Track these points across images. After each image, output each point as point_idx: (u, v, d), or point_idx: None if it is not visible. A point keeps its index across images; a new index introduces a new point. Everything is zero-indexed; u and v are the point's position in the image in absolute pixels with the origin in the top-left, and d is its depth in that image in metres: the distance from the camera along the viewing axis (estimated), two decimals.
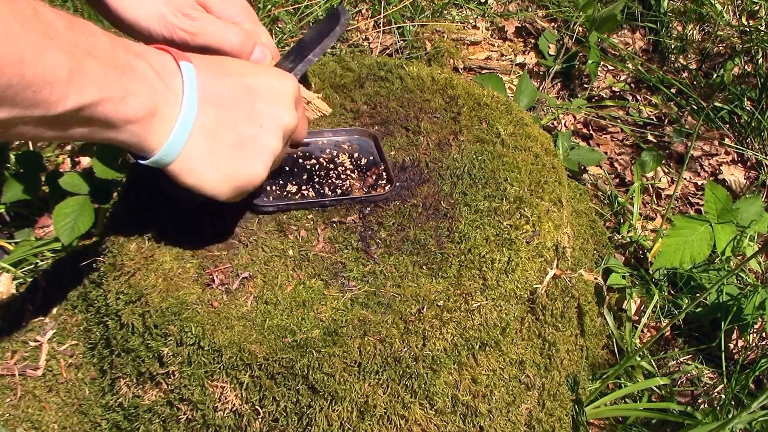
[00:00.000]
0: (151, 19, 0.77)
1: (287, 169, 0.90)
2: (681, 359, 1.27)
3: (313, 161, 0.92)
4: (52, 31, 0.54)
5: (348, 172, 0.91)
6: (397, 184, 0.90)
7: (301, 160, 0.92)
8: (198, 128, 0.67)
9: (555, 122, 1.78)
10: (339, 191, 0.88)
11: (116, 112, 0.60)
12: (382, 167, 0.92)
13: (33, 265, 1.37)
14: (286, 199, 0.86)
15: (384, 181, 0.90)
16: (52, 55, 0.54)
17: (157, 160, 0.66)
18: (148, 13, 0.77)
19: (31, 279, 1.34)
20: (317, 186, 0.88)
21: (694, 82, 1.86)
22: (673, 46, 1.93)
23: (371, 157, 0.93)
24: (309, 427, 0.73)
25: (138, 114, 0.62)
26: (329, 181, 0.89)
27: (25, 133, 0.57)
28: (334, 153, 0.94)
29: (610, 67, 1.92)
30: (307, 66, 0.84)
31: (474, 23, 2.01)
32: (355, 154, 0.94)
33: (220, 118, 0.68)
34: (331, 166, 0.92)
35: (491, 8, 2.06)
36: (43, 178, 1.37)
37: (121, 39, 0.63)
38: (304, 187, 0.88)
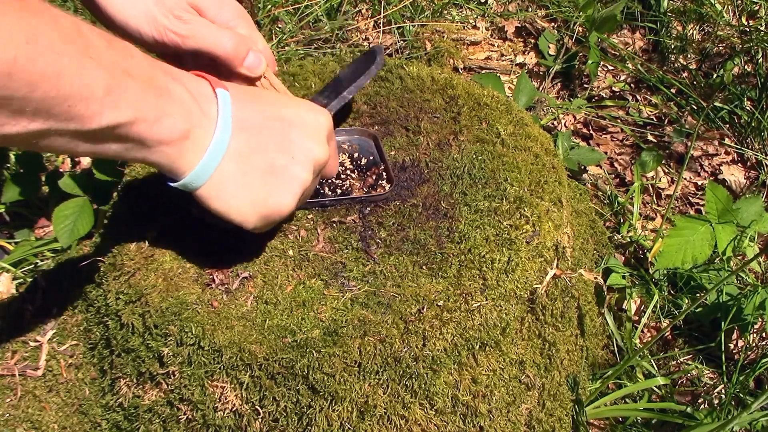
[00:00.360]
0: (141, 20, 0.75)
1: None
2: (681, 359, 1.27)
3: None
4: (92, 49, 0.55)
5: (348, 172, 0.91)
6: (397, 184, 0.90)
7: None
8: (230, 154, 0.67)
9: (555, 122, 1.78)
10: (339, 191, 0.88)
11: (150, 132, 0.61)
12: (382, 167, 0.92)
13: (33, 265, 1.37)
14: None
15: (384, 181, 0.90)
16: (91, 72, 0.55)
17: (186, 184, 0.66)
18: (138, 13, 0.75)
19: (31, 279, 1.34)
20: (317, 186, 0.88)
21: (694, 82, 1.86)
22: (673, 46, 1.93)
23: (371, 157, 0.93)
24: (309, 427, 0.73)
25: (172, 136, 0.62)
26: (329, 181, 0.89)
27: (59, 146, 0.58)
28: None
29: (610, 67, 1.92)
30: (341, 103, 0.85)
31: (474, 23, 2.01)
32: (355, 154, 0.94)
33: (252, 146, 0.69)
34: None
35: (491, 8, 2.06)
36: (43, 179, 1.37)
37: (160, 63, 0.64)
38: None
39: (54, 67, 0.52)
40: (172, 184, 0.67)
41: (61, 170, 1.49)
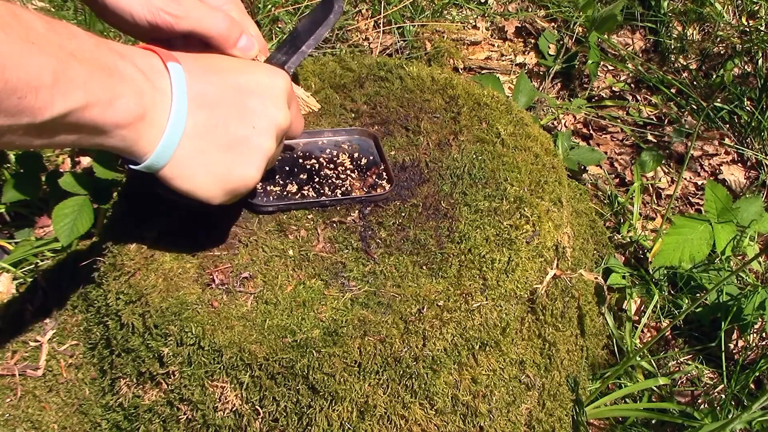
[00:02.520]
0: (135, 2, 0.73)
1: (287, 169, 0.90)
2: (681, 359, 1.27)
3: (313, 161, 0.92)
4: (33, 34, 0.53)
5: (348, 172, 0.91)
6: (397, 184, 0.90)
7: (301, 160, 0.92)
8: (188, 131, 0.65)
9: (555, 122, 1.78)
10: (339, 191, 0.88)
11: (104, 116, 0.59)
12: (382, 167, 0.92)
13: (33, 265, 1.37)
14: (286, 199, 0.86)
15: (384, 181, 0.90)
16: (35, 59, 0.52)
17: (148, 165, 0.64)
18: (131, 1, 0.73)
19: (31, 279, 1.34)
20: (317, 186, 0.88)
21: (694, 82, 1.86)
22: (673, 47, 1.93)
23: (371, 157, 0.93)
24: (309, 427, 0.73)
25: (127, 118, 0.60)
26: (329, 181, 0.89)
27: (13, 142, 0.55)
28: (334, 153, 0.94)
29: (610, 67, 1.92)
30: (301, 58, 0.81)
31: (474, 23, 2.01)
32: (355, 154, 0.94)
33: (210, 120, 0.67)
34: (331, 166, 0.92)
35: (491, 8, 2.06)
36: (43, 178, 1.37)
37: (105, 40, 0.61)
38: (304, 187, 0.88)
39: None
40: (134, 167, 0.65)
41: (61, 170, 1.49)
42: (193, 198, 0.69)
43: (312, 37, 0.81)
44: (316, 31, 0.81)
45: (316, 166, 0.91)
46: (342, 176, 0.90)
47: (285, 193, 0.87)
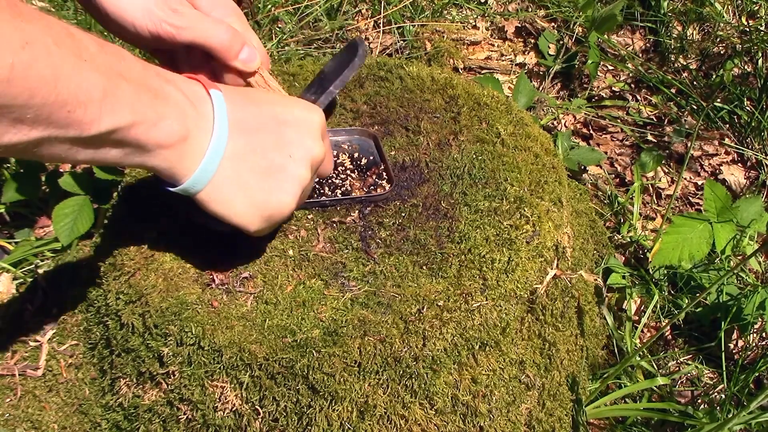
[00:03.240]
0: (137, 12, 0.74)
1: None
2: (681, 359, 1.27)
3: None
4: (85, 52, 0.55)
5: (348, 172, 0.91)
6: (397, 184, 0.90)
7: None
8: (228, 156, 0.67)
9: (555, 122, 1.78)
10: (339, 191, 0.88)
11: (148, 135, 0.61)
12: (382, 167, 0.92)
13: (33, 265, 1.37)
14: None
15: (384, 181, 0.90)
16: (87, 75, 0.54)
17: (186, 188, 0.66)
18: (134, 7, 0.74)
19: (31, 279, 1.34)
20: (317, 186, 0.88)
21: (694, 82, 1.86)
22: (672, 47, 1.93)
23: (371, 157, 0.93)
24: (309, 427, 0.73)
25: (170, 138, 0.62)
26: (329, 181, 0.89)
27: (59, 154, 0.57)
28: (334, 153, 0.94)
29: (610, 67, 1.92)
30: (329, 98, 0.85)
31: (474, 23, 2.01)
32: (355, 154, 0.94)
33: (249, 146, 0.69)
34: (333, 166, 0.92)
35: (491, 8, 2.06)
36: (43, 178, 1.37)
37: (151, 65, 0.63)
38: None
39: (51, 71, 0.52)
40: (171, 189, 0.67)
41: (61, 170, 1.49)
42: (228, 223, 0.70)
43: (339, 79, 0.84)
44: (343, 72, 0.85)
45: None
46: (342, 176, 0.90)
47: None
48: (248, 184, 0.69)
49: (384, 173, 0.91)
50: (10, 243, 1.40)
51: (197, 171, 0.65)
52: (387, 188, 0.88)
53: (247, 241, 0.81)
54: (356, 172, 0.91)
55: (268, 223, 0.72)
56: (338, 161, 0.93)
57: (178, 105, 0.63)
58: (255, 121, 0.70)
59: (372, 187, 0.89)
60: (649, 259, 1.37)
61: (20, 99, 0.50)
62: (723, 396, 1.17)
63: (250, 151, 0.69)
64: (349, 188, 0.88)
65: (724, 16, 1.96)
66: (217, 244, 0.82)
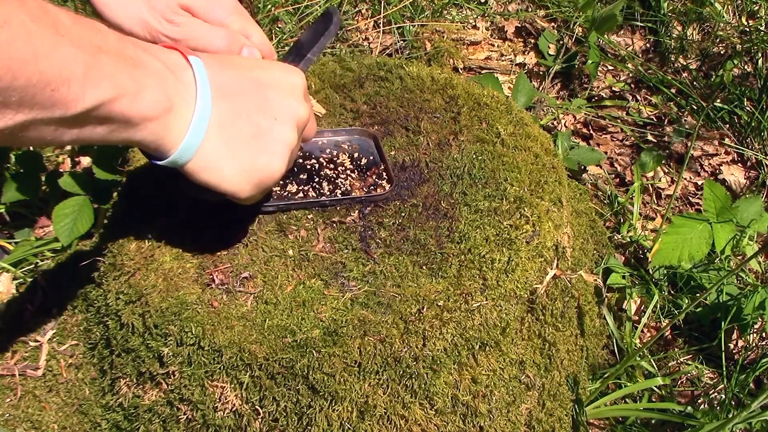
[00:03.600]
0: (135, 25, 0.76)
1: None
2: (681, 359, 1.27)
3: (313, 161, 0.92)
4: (62, 27, 0.54)
5: (348, 172, 0.91)
6: (397, 184, 0.90)
7: (301, 160, 0.92)
8: (213, 123, 0.66)
9: (555, 122, 1.78)
10: (339, 191, 0.88)
11: (132, 108, 0.59)
12: (382, 167, 0.92)
13: (33, 265, 1.37)
14: (287, 199, 0.86)
15: (384, 181, 0.90)
16: (66, 50, 0.53)
17: (175, 160, 0.65)
18: (131, 17, 0.76)
19: (31, 279, 1.34)
20: (317, 186, 0.88)
21: (694, 82, 1.86)
22: (672, 47, 1.93)
23: (371, 157, 0.93)
24: (309, 427, 0.73)
25: (155, 109, 0.61)
26: (329, 180, 0.89)
27: (45, 137, 0.56)
28: (334, 153, 0.94)
29: (610, 67, 1.92)
30: (308, 65, 0.84)
31: (474, 23, 2.01)
32: (355, 154, 0.94)
33: (234, 111, 0.68)
34: (331, 166, 0.92)
35: (491, 8, 2.06)
36: (43, 178, 1.37)
37: (127, 37, 0.62)
38: (304, 187, 0.88)
39: (31, 49, 0.50)
40: (159, 163, 0.65)
41: (61, 170, 1.49)
42: (219, 192, 0.69)
43: (316, 46, 0.84)
44: (320, 40, 0.84)
45: (316, 166, 0.91)
46: (342, 176, 0.90)
47: (285, 193, 0.87)
48: (236, 150, 0.68)
49: (384, 173, 0.91)
50: (10, 243, 1.40)
51: (184, 141, 0.64)
52: (387, 188, 0.88)
53: (247, 241, 0.81)
54: (356, 172, 0.91)
55: (259, 188, 0.70)
56: (338, 161, 0.93)
57: (158, 74, 0.62)
58: (237, 86, 0.69)
59: (372, 187, 0.89)
60: (649, 259, 1.37)
61: (3, 82, 0.49)
62: (723, 396, 1.17)
63: (235, 116, 0.68)
64: (349, 188, 0.88)
65: (724, 16, 1.96)
66: (218, 244, 0.82)
